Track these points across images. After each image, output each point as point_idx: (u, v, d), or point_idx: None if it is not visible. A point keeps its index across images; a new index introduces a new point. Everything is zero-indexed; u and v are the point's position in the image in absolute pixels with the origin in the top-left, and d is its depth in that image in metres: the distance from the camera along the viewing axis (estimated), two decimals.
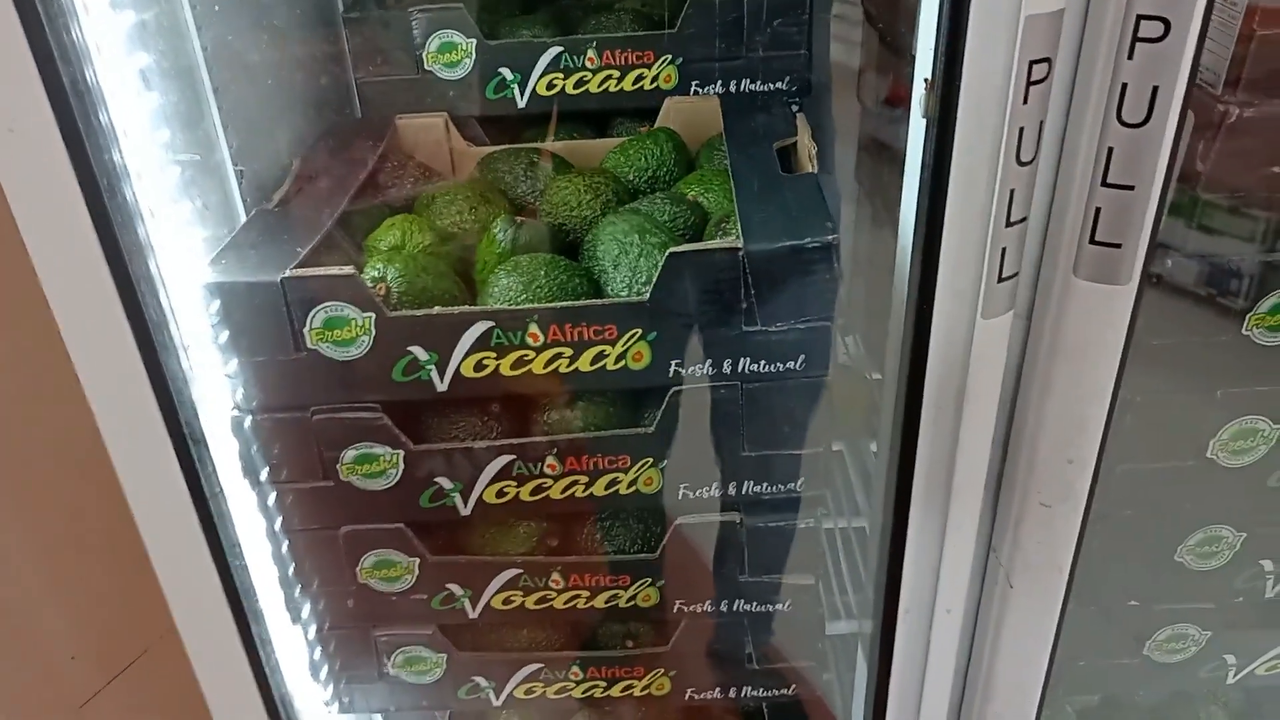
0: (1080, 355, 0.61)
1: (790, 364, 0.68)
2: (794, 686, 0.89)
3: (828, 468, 0.98)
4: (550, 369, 0.68)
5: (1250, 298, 0.69)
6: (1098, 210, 0.56)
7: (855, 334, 1.04)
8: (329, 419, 0.70)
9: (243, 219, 0.76)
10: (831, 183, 0.89)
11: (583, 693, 0.85)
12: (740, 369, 0.68)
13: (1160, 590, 0.80)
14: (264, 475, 0.73)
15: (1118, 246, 0.57)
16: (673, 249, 0.63)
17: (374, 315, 0.65)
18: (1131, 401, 0.69)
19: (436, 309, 0.66)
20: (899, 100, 0.77)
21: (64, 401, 0.65)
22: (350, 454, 0.71)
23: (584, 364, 0.68)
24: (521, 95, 0.87)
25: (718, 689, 0.86)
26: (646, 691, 0.84)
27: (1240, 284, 0.70)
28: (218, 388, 0.69)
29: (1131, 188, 0.55)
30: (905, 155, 0.61)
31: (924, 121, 0.57)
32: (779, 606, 0.81)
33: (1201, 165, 0.63)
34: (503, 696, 0.85)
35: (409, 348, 0.67)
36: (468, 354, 0.67)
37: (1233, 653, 0.84)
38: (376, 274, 0.68)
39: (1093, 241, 0.57)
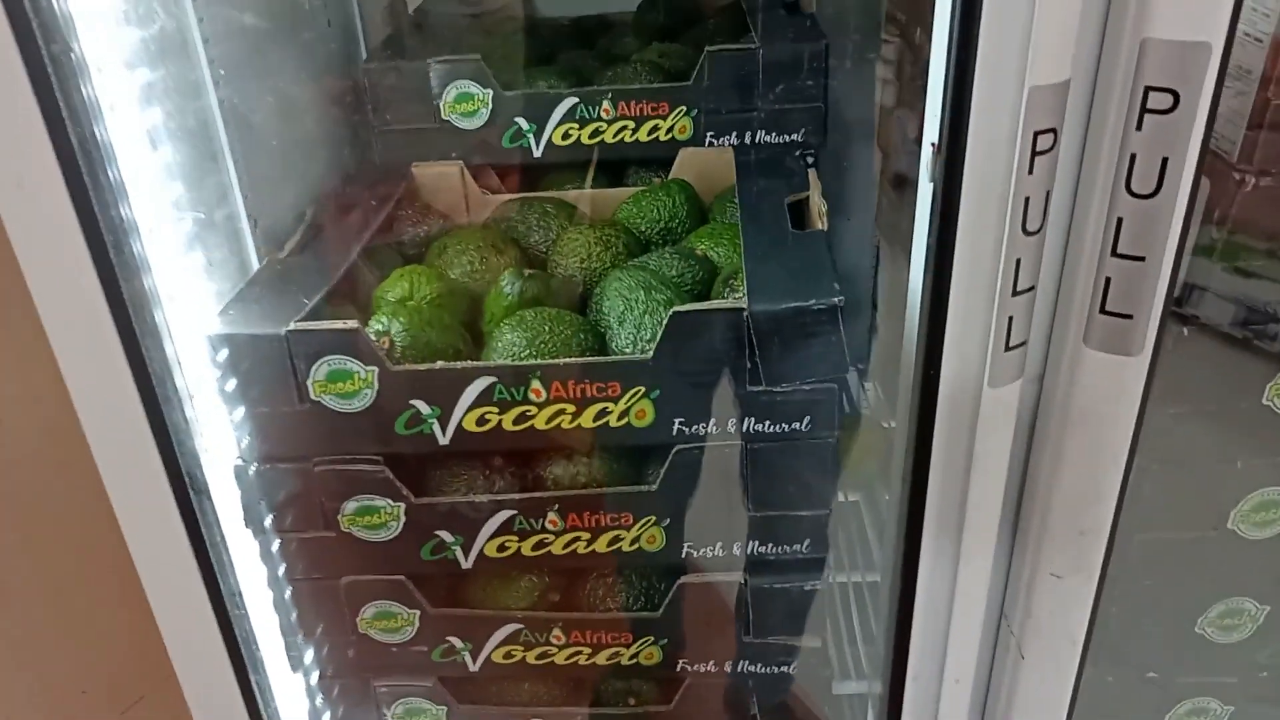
0: (1092, 425, 0.59)
1: (796, 425, 0.67)
2: None
3: (844, 523, 0.97)
4: (553, 425, 0.67)
5: None
6: (1108, 280, 0.55)
7: (875, 380, 1.02)
8: (331, 470, 0.69)
9: (254, 268, 0.76)
10: (856, 228, 0.89)
11: None
12: (745, 429, 0.67)
13: (1181, 662, 0.78)
14: (266, 524, 0.72)
15: (1129, 317, 0.55)
16: (676, 308, 0.63)
17: (377, 369, 0.65)
18: (1149, 470, 0.67)
19: (439, 364, 0.66)
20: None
21: (73, 442, 0.65)
22: (351, 505, 0.70)
23: (587, 420, 0.67)
24: (537, 145, 0.87)
25: None
26: None
27: (1278, 328, 0.68)
28: (221, 436, 0.69)
29: (1142, 259, 0.54)
30: (914, 226, 0.60)
31: (931, 185, 0.56)
32: (785, 668, 0.80)
33: (1217, 233, 0.62)
34: None
35: (411, 401, 0.66)
36: (470, 409, 0.66)
37: None
38: (381, 327, 0.68)
39: (1103, 311, 0.56)
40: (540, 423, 0.67)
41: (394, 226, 0.84)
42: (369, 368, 0.65)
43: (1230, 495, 0.70)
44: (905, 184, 0.80)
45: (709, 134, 0.87)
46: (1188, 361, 0.67)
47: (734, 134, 0.87)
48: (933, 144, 0.55)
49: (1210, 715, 0.79)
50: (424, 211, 0.86)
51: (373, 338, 0.66)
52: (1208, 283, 0.69)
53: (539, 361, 0.66)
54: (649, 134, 0.87)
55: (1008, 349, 0.57)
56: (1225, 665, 0.77)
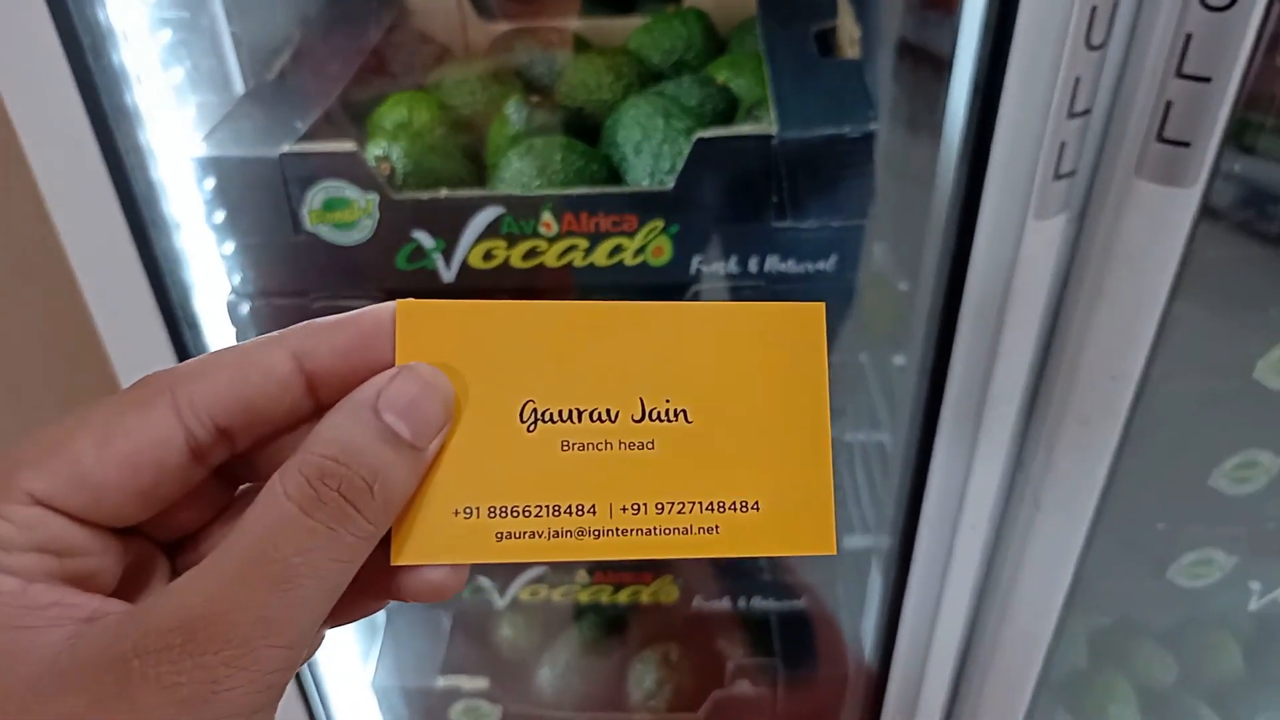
0: (1136, 262, 0.56)
1: (822, 264, 0.63)
2: (803, 598, 0.87)
3: (854, 378, 0.95)
4: (564, 262, 0.64)
5: None
6: (1169, 104, 0.52)
7: (885, 241, 0.99)
8: (329, 308, 0.66)
9: (239, 92, 0.71)
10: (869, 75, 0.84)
11: (589, 596, 0.83)
12: (767, 268, 0.64)
13: (1190, 514, 0.77)
14: None
15: (1187, 145, 0.52)
16: (700, 134, 0.59)
17: (377, 196, 0.61)
18: (1179, 318, 0.65)
19: (444, 191, 0.62)
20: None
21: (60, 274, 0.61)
22: None
23: (600, 258, 0.63)
24: None
25: (726, 598, 0.84)
26: (655, 598, 0.82)
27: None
28: (211, 270, 0.65)
29: (1209, 80, 0.50)
30: (956, 41, 0.55)
31: None
32: None
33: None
34: (506, 598, 0.83)
35: (414, 233, 0.62)
36: (476, 242, 0.63)
37: (1258, 579, 0.82)
38: (381, 152, 0.63)
39: (1160, 139, 0.53)
40: (550, 259, 0.64)
41: (387, 53, 0.78)
42: (368, 195, 0.61)
43: (1258, 344, 0.68)
44: (932, 35, 0.75)
45: None
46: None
47: None
48: None
49: (1214, 565, 0.80)
50: (419, 39, 0.80)
51: (372, 163, 0.62)
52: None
53: (550, 191, 0.62)
54: None
55: (1057, 177, 0.54)
56: (1234, 516, 0.77)
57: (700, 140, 0.59)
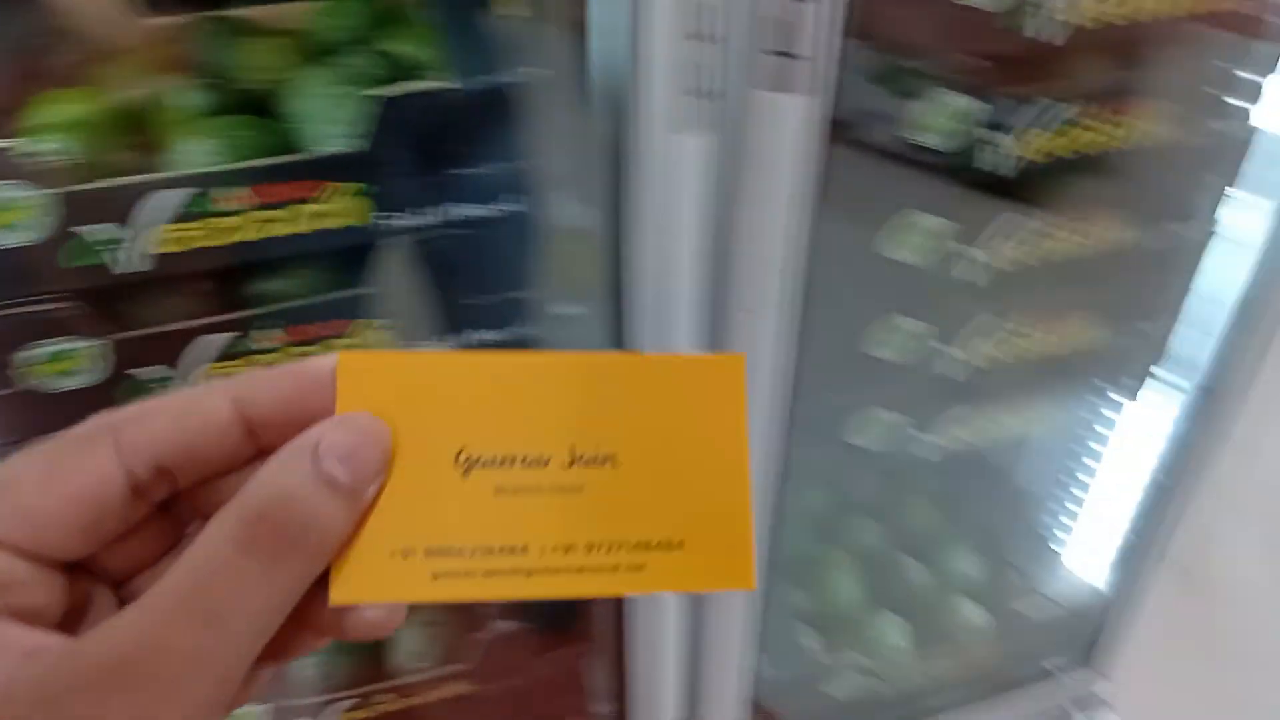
0: (769, 165, 0.65)
1: (505, 206, 0.68)
2: None
3: (562, 316, 1.01)
4: (264, 234, 0.64)
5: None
6: (782, 23, 0.60)
7: (580, 202, 1.06)
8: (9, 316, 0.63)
9: None
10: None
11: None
12: (454, 214, 0.68)
13: (856, 381, 0.90)
14: None
15: (794, 57, 0.61)
16: (377, 92, 0.62)
17: (43, 192, 0.59)
18: (822, 212, 0.75)
19: (120, 180, 0.61)
20: None
21: None
22: (43, 351, 0.64)
23: (298, 224, 0.65)
24: None
25: None
26: None
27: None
28: None
29: None
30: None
31: None
32: None
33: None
34: None
35: (89, 226, 0.61)
36: (160, 226, 0.62)
37: (918, 430, 0.96)
38: (39, 147, 0.61)
39: (776, 53, 0.61)
40: (243, 234, 0.64)
41: (34, 53, 0.74)
42: (33, 192, 0.59)
43: (875, 223, 0.80)
44: None
45: None
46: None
47: None
48: None
49: (881, 422, 0.93)
50: (68, 35, 0.76)
51: (33, 158, 0.59)
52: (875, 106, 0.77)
53: (230, 167, 0.63)
54: None
55: (698, 96, 0.61)
56: (889, 378, 0.90)
57: (378, 99, 0.62)
